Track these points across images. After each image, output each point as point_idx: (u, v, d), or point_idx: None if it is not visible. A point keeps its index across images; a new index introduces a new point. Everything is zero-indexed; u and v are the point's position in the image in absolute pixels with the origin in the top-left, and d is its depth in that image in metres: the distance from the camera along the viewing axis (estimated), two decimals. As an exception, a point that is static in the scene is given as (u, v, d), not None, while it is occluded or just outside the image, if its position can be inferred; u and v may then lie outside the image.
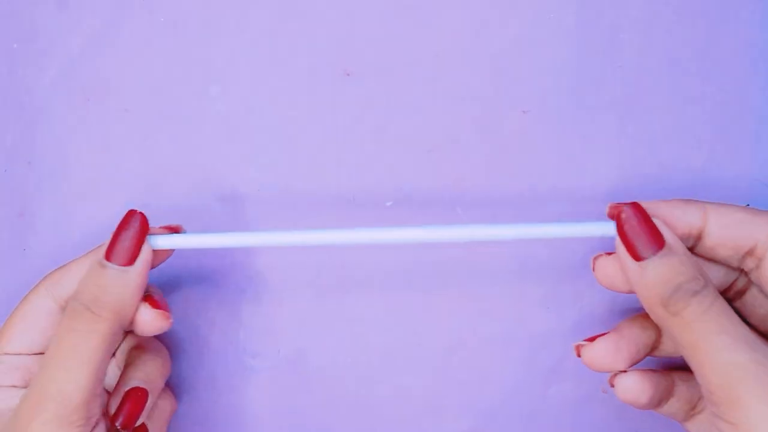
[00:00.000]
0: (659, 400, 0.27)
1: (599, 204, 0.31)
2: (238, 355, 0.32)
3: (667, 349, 0.28)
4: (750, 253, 0.26)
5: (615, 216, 0.26)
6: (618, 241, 0.25)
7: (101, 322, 0.25)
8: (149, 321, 0.27)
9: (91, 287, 0.26)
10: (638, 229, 0.25)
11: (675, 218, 0.26)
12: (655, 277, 0.24)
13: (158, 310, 0.27)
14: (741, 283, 0.28)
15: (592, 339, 0.27)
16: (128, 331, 0.28)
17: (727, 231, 0.25)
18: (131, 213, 0.27)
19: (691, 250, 0.26)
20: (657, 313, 0.24)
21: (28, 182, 0.33)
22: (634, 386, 0.27)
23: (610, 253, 0.27)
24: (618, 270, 0.26)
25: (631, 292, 0.26)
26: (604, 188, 0.32)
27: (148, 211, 0.32)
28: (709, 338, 0.23)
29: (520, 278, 0.32)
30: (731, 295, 0.28)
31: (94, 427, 0.25)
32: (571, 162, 0.32)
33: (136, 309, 0.27)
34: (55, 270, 0.28)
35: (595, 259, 0.27)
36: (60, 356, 0.25)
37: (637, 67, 0.31)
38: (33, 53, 0.33)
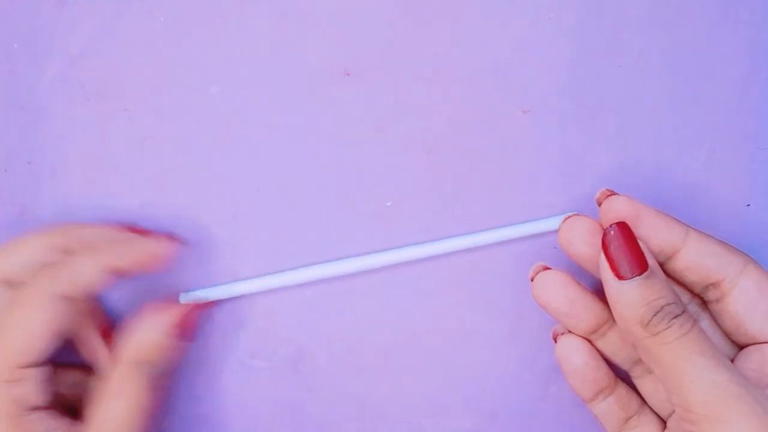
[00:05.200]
0: (597, 390, 0.28)
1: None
2: (238, 355, 0.32)
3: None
4: (715, 285, 0.26)
5: (601, 236, 0.26)
6: (602, 257, 0.26)
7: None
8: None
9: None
10: (624, 250, 0.25)
11: (657, 232, 0.26)
12: (636, 297, 0.25)
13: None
14: (692, 309, 0.28)
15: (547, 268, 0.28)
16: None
17: (701, 259, 0.26)
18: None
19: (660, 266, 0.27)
20: (634, 332, 0.25)
21: (28, 182, 0.33)
22: (576, 346, 0.28)
23: (547, 268, 0.28)
24: (558, 288, 0.27)
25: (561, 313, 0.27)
26: (604, 188, 0.31)
27: (147, 211, 0.32)
28: (691, 359, 0.24)
29: (521, 278, 0.32)
30: None
31: None
32: (571, 162, 0.32)
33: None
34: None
35: (535, 273, 0.28)
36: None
37: (637, 67, 0.31)
38: (33, 53, 0.33)
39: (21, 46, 0.33)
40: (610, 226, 0.26)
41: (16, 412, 0.26)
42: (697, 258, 0.26)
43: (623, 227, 0.25)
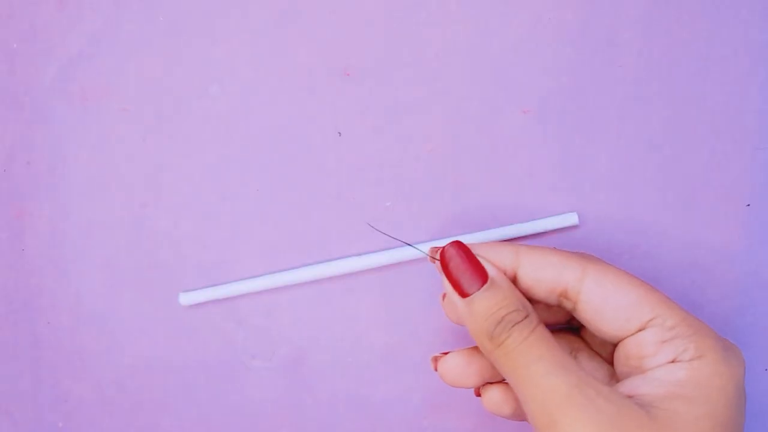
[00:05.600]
0: (481, 377, 0.28)
1: (599, 204, 0.31)
2: (238, 355, 0.32)
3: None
4: (563, 295, 0.26)
5: (439, 256, 0.26)
6: (444, 280, 0.26)
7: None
8: None
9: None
10: (462, 266, 0.26)
11: (490, 260, 0.26)
12: (480, 311, 0.25)
13: None
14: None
15: (446, 353, 0.28)
16: None
17: (538, 274, 0.26)
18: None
19: None
20: (485, 346, 0.25)
21: (27, 182, 0.33)
22: (456, 363, 0.28)
23: (444, 353, 0.28)
24: (463, 369, 0.27)
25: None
26: (604, 188, 0.32)
27: (147, 211, 0.32)
28: (528, 365, 0.24)
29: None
30: (576, 324, 0.29)
31: None
32: (571, 162, 0.32)
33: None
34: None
35: (435, 365, 0.28)
36: None
37: (637, 67, 0.31)
38: (32, 53, 0.33)
39: (20, 45, 0.33)
40: (446, 246, 0.26)
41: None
42: (534, 274, 0.26)
43: (458, 245, 0.26)
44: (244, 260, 0.32)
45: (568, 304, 0.26)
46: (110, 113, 0.33)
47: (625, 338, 0.25)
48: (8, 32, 0.33)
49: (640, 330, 0.25)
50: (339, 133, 0.32)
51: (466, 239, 0.31)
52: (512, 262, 0.26)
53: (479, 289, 0.25)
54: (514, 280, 0.26)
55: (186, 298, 0.32)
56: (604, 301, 0.25)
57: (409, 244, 0.31)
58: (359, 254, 0.32)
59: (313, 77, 0.32)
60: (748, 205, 0.31)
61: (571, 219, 0.31)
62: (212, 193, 0.32)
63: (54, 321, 0.33)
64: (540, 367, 0.23)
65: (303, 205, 0.32)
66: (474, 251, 0.26)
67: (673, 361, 0.24)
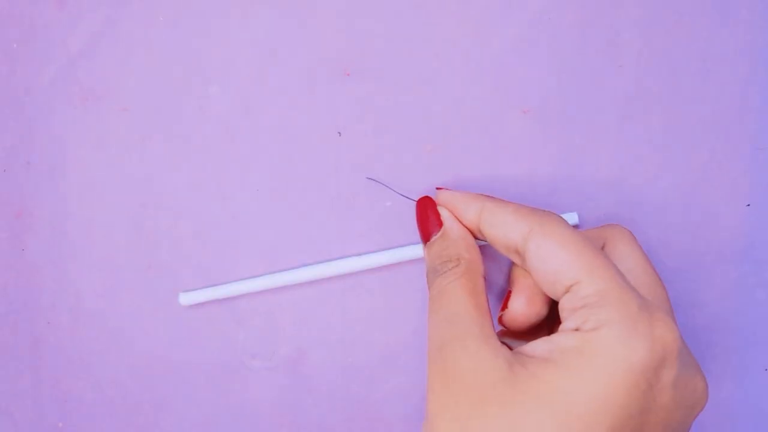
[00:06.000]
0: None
1: (599, 204, 0.31)
2: (238, 355, 0.32)
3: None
4: (516, 251, 0.27)
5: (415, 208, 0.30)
6: (416, 224, 0.30)
7: None
8: None
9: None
10: (425, 216, 0.30)
11: (458, 212, 0.29)
12: (429, 254, 0.29)
13: None
14: None
15: (504, 306, 0.28)
16: None
17: (493, 230, 0.27)
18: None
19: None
20: (428, 279, 0.28)
21: (27, 182, 0.33)
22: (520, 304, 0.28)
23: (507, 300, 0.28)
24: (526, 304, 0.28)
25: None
26: (604, 188, 0.31)
27: (146, 212, 0.32)
28: (439, 309, 0.27)
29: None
30: None
31: None
32: (570, 162, 0.32)
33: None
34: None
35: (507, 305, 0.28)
36: None
37: (637, 67, 0.31)
38: (32, 53, 0.33)
39: (20, 46, 0.33)
40: (418, 199, 0.30)
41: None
42: (489, 229, 0.28)
43: (427, 199, 0.30)
44: (244, 260, 0.32)
45: (520, 261, 0.27)
46: (110, 113, 0.33)
47: (558, 300, 0.25)
48: (8, 32, 0.33)
49: (564, 293, 0.25)
50: (339, 133, 0.32)
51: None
52: (475, 215, 0.28)
53: (433, 235, 0.29)
54: (479, 233, 0.29)
55: (186, 298, 0.32)
56: (542, 262, 0.25)
57: (408, 197, 0.32)
58: (359, 254, 0.32)
59: (313, 77, 0.32)
60: (748, 205, 0.31)
61: (571, 219, 0.31)
62: (212, 193, 0.32)
63: (54, 321, 0.33)
64: (442, 313, 0.26)
65: (303, 205, 0.32)
66: (441, 202, 0.29)
67: (575, 330, 0.24)
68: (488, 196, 0.29)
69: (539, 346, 0.24)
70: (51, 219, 0.33)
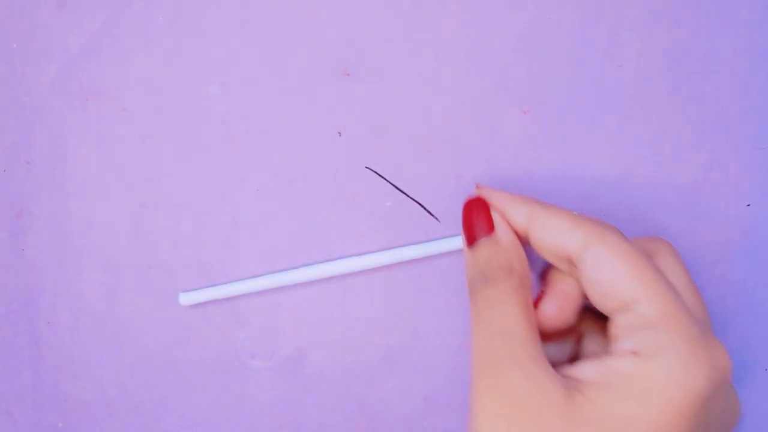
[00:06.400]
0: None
1: (599, 203, 0.31)
2: (238, 355, 0.32)
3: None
4: (569, 261, 0.26)
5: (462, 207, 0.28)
6: (462, 224, 0.28)
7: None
8: None
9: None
10: (474, 217, 0.28)
11: (507, 215, 0.27)
12: (473, 259, 0.27)
13: None
14: None
15: (535, 304, 0.28)
16: None
17: (545, 237, 0.26)
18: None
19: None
20: (468, 289, 0.27)
21: (27, 182, 0.33)
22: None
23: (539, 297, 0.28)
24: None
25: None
26: (604, 188, 0.31)
27: (146, 212, 0.32)
28: (483, 322, 0.25)
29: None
30: None
31: None
32: (570, 162, 0.32)
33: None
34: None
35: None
36: None
37: (637, 67, 0.31)
38: (32, 53, 0.33)
39: (20, 46, 0.33)
40: (468, 198, 0.28)
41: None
42: (541, 236, 0.26)
43: (479, 199, 0.28)
44: (244, 260, 0.32)
45: (573, 272, 0.26)
46: (110, 113, 0.33)
47: (610, 315, 0.25)
48: (8, 32, 0.33)
49: (620, 310, 0.24)
50: (339, 133, 0.32)
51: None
52: (525, 221, 0.27)
53: (482, 239, 0.27)
54: (527, 239, 0.27)
55: (186, 298, 0.32)
56: (599, 273, 0.25)
57: (407, 194, 0.31)
58: (359, 254, 0.32)
59: (313, 77, 0.32)
60: (748, 205, 0.31)
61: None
62: (212, 193, 0.32)
63: (54, 321, 0.33)
64: (494, 327, 0.25)
65: (303, 205, 0.32)
66: (494, 204, 0.28)
67: (634, 353, 0.23)
68: (537, 200, 0.27)
69: (592, 369, 0.24)
70: (51, 219, 0.33)
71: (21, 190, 0.33)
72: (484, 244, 0.27)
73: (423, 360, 0.32)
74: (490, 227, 0.27)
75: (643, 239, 0.27)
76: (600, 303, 0.25)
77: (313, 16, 0.32)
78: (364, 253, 0.32)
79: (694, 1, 0.31)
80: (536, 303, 0.27)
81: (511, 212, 0.27)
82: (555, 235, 0.26)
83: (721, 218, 0.31)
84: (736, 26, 0.31)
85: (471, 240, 0.27)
